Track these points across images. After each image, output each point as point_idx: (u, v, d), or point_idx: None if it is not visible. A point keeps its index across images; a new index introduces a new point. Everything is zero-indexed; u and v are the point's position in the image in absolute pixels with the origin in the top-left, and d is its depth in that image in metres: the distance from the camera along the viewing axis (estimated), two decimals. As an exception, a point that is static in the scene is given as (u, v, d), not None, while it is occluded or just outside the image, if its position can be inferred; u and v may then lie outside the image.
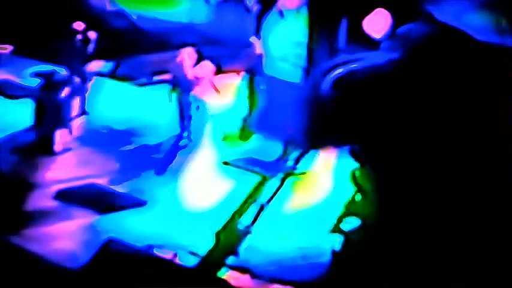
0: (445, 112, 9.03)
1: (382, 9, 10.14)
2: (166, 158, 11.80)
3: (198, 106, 12.04)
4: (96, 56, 14.58)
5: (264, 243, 10.34)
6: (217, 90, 12.15)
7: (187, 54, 12.24)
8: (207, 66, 12.11)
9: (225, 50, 14.48)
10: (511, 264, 8.79)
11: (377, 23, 10.23)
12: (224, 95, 13.17)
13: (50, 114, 12.36)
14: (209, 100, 12.16)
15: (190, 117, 12.19)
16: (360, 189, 9.72)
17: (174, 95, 12.24)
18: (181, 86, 12.17)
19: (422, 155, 9.13)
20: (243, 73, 13.01)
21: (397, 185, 9.30)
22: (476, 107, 8.98)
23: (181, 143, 12.15)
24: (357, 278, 9.36)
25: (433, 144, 9.08)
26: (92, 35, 12.76)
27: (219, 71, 12.30)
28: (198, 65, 12.13)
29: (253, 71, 12.74)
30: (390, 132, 9.22)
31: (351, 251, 9.71)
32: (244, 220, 10.75)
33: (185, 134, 12.18)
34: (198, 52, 12.30)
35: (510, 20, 9.17)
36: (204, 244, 10.28)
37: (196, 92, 12.11)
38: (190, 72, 12.10)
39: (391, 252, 9.23)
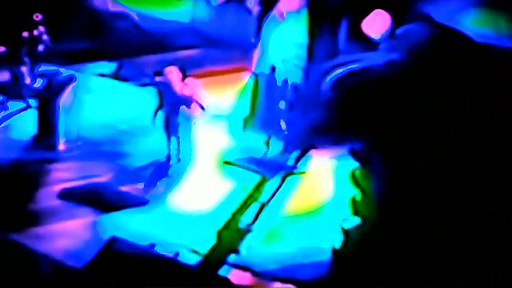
0: (444, 112, 9.09)
1: (381, 11, 10.22)
2: (152, 179, 11.66)
3: (187, 125, 11.91)
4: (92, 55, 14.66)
5: (265, 241, 10.39)
6: (202, 107, 12.01)
7: (172, 73, 12.02)
8: (194, 83, 11.96)
9: (226, 51, 14.56)
10: (511, 264, 8.85)
11: (376, 24, 10.31)
12: (226, 95, 13.23)
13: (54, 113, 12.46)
14: (197, 117, 12.02)
15: (178, 138, 12.01)
16: (359, 188, 9.78)
17: (160, 118, 12.02)
18: (169, 106, 11.97)
19: (422, 155, 9.19)
20: (244, 74, 13.07)
21: (397, 184, 9.36)
22: (475, 107, 9.05)
23: (171, 163, 12.05)
24: (357, 276, 9.41)
25: (432, 144, 9.14)
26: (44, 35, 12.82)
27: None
28: (184, 84, 11.94)
29: (255, 72, 12.79)
30: (390, 132, 9.28)
31: (351, 249, 9.76)
32: (245, 219, 10.80)
33: (174, 154, 12.01)
34: (181, 70, 12.13)
35: (508, 21, 9.24)
36: (206, 243, 10.33)
37: (184, 110, 11.90)
38: (177, 89, 11.88)
39: (391, 251, 9.29)
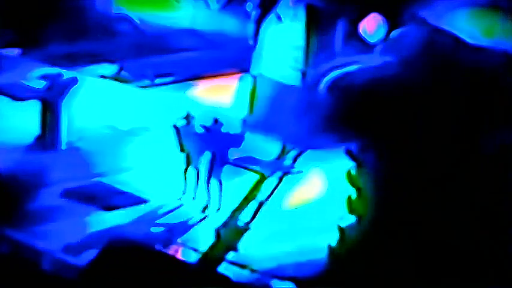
0: (439, 112, 9.21)
1: (377, 14, 10.36)
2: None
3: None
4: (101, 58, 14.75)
5: (263, 239, 10.46)
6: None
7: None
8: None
9: (225, 53, 14.65)
10: (511, 264, 8.95)
11: (372, 27, 10.46)
12: (225, 97, 13.31)
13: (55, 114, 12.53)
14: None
15: (221, 184, 11.17)
16: (355, 187, 9.88)
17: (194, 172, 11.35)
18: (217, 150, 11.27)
19: (417, 155, 9.30)
20: (243, 76, 13.17)
21: (392, 183, 9.46)
22: (469, 108, 9.16)
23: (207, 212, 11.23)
24: (353, 274, 9.51)
25: (428, 144, 9.25)
26: None
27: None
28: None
29: (253, 74, 12.88)
30: (385, 132, 9.40)
31: (347, 247, 9.86)
32: (244, 217, 10.89)
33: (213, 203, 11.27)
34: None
35: (503, 24, 9.36)
36: (205, 241, 10.42)
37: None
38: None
39: (387, 249, 9.38)
